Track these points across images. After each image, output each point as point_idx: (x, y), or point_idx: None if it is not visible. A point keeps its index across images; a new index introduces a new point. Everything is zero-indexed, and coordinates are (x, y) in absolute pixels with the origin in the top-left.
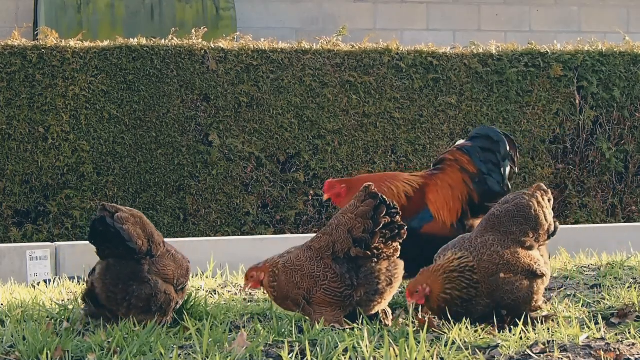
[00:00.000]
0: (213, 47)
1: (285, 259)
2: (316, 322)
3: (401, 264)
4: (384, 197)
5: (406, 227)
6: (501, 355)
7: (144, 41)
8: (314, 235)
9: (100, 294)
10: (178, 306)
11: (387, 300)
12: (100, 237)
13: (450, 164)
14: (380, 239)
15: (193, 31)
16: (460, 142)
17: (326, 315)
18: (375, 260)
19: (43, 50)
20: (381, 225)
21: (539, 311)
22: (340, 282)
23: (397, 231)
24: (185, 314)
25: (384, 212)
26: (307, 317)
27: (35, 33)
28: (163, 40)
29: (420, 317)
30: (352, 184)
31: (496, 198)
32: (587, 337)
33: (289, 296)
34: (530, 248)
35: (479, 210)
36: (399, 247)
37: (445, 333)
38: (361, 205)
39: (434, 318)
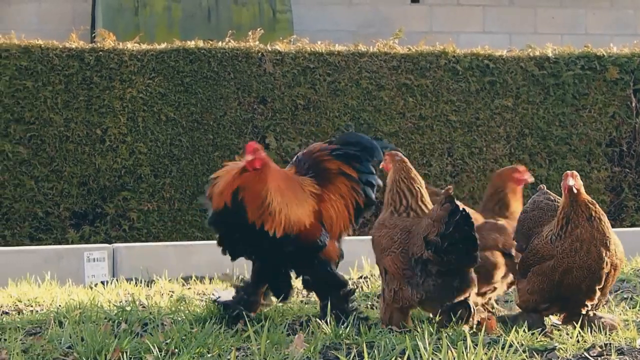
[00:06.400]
0: (270, 49)
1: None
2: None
3: None
4: None
5: None
6: (558, 357)
7: (200, 44)
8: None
9: None
10: None
11: None
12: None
13: (335, 171)
14: None
15: (250, 33)
16: (318, 144)
17: (393, 312)
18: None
19: (100, 53)
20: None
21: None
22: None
23: None
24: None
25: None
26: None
27: (93, 35)
28: (220, 43)
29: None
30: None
31: (370, 209)
32: None
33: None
34: None
35: (357, 220)
36: None
37: (502, 335)
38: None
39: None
